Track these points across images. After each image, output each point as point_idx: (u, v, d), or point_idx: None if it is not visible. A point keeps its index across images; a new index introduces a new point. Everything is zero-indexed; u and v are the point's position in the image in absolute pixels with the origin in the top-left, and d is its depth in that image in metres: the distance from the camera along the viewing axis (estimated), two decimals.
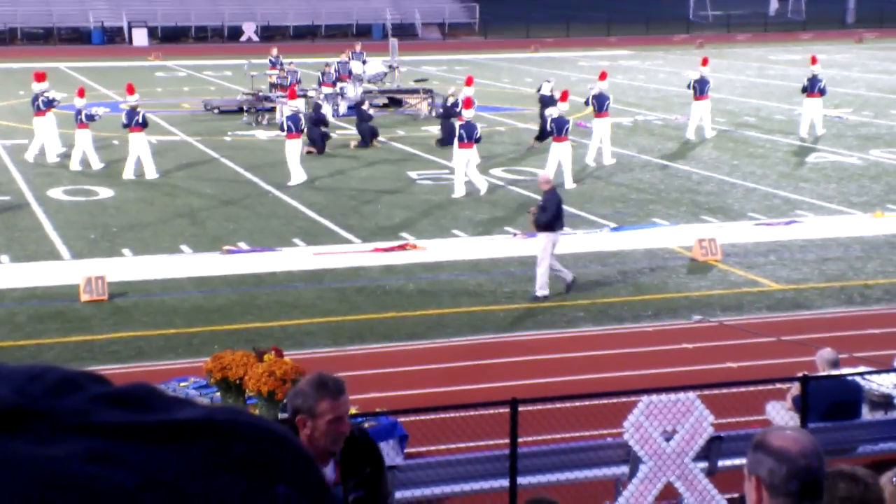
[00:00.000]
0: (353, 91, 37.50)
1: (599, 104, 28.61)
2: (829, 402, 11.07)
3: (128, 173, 26.86)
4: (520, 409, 9.46)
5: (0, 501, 0.74)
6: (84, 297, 17.41)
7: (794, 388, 11.11)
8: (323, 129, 30.37)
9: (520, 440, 9.54)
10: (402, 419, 11.02)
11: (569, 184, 25.60)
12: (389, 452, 9.92)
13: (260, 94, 36.83)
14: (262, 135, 33.47)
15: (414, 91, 38.98)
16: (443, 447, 10.86)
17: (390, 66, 41.33)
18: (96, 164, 27.87)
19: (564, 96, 27.64)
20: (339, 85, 37.11)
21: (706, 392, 10.73)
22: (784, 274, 19.17)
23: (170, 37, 70.67)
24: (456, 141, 25.28)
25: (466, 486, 9.91)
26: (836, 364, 11.60)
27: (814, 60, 33.19)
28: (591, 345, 15.70)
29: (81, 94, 28.34)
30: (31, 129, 33.05)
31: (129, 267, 19.29)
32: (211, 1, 73.24)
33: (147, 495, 0.77)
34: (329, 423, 5.42)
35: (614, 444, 10.28)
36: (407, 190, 25.76)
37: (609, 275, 19.14)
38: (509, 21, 77.35)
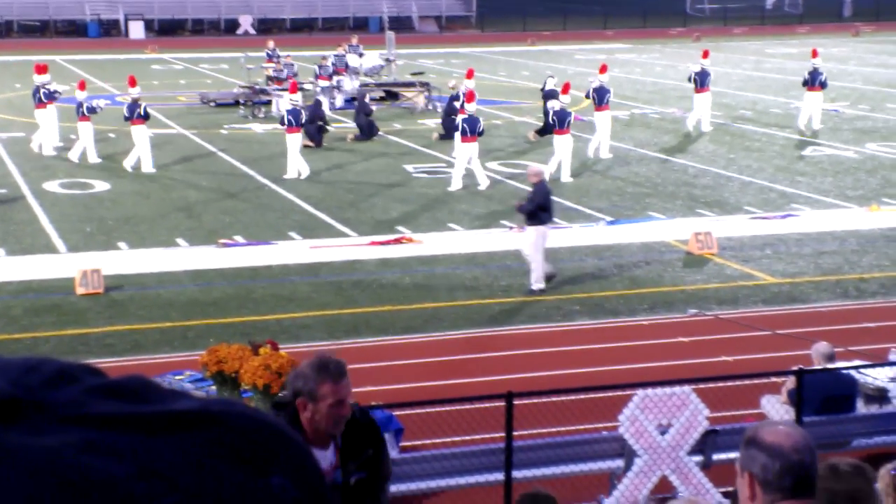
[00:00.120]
0: (349, 84, 37.46)
1: (600, 97, 28.60)
2: (824, 395, 11.09)
3: (129, 162, 26.90)
4: (515, 402, 9.47)
5: None
6: (80, 291, 17.40)
7: (790, 382, 11.13)
8: (319, 122, 30.33)
9: (515, 434, 9.56)
10: (397, 413, 11.03)
11: (566, 177, 25.60)
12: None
13: (256, 87, 36.79)
14: (258, 128, 33.44)
15: (411, 84, 38.94)
16: (438, 441, 10.87)
17: (387, 60, 41.27)
18: (93, 158, 27.83)
19: (566, 89, 27.64)
20: (335, 78, 37.06)
21: (701, 385, 10.74)
22: (780, 268, 19.19)
23: (166, 30, 70.56)
24: (458, 135, 25.16)
25: (462, 480, 9.93)
26: (831, 358, 11.62)
27: (815, 54, 33.20)
28: (586, 338, 15.72)
29: (83, 86, 28.31)
30: (27, 123, 33.02)
31: (125, 260, 19.28)
32: None
33: (142, 485, 0.78)
34: (330, 407, 5.38)
35: (609, 438, 10.30)
36: (403, 183, 25.74)
37: (605, 268, 19.15)
38: (506, 14, 77.27)
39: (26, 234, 21.15)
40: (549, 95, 30.22)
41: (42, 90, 28.59)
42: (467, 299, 17.43)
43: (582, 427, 11.06)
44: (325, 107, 32.73)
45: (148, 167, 26.83)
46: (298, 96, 27.94)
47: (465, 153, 24.85)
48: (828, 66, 33.55)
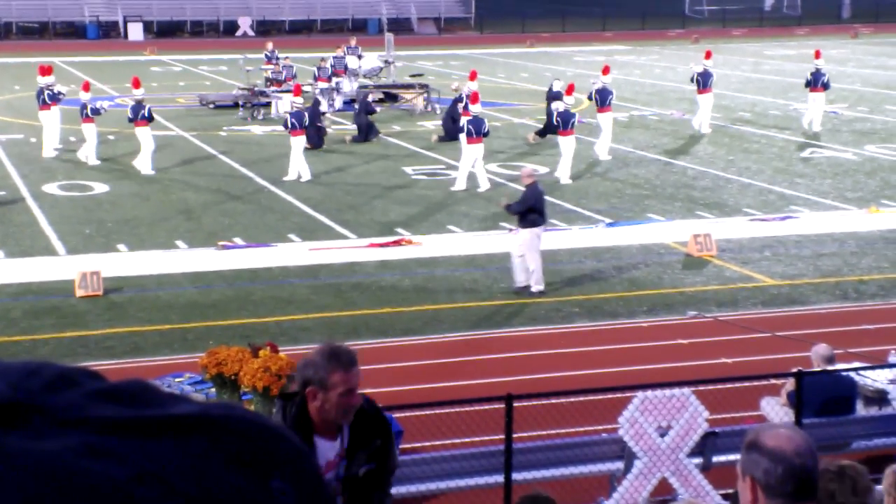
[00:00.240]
0: (348, 86, 37.48)
1: (602, 99, 28.62)
2: (823, 397, 11.09)
3: (145, 167, 26.93)
4: (515, 404, 9.47)
5: None
6: (79, 293, 17.40)
7: (789, 384, 11.13)
8: (317, 124, 30.33)
9: (515, 436, 9.55)
10: (396, 415, 11.01)
11: (565, 179, 25.62)
12: None
13: (255, 88, 36.79)
14: (257, 130, 33.44)
15: (410, 86, 38.95)
16: (438, 443, 10.87)
17: (386, 61, 41.29)
18: (93, 160, 27.81)
19: (570, 90, 27.66)
20: (334, 80, 37.08)
21: (701, 388, 10.73)
22: (779, 269, 19.19)
23: (165, 31, 70.59)
24: (464, 136, 25.17)
25: (461, 482, 9.92)
26: (830, 360, 11.61)
27: (817, 55, 33.25)
28: (586, 340, 15.72)
29: (87, 88, 28.33)
30: (26, 125, 33.04)
31: (125, 262, 19.28)
32: None
33: (142, 489, 0.78)
34: (340, 396, 5.31)
35: (609, 440, 10.29)
36: (403, 185, 25.75)
37: (604, 270, 19.15)
38: (505, 16, 77.32)
39: (26, 237, 21.15)
40: (553, 97, 30.28)
41: (46, 91, 28.58)
42: (467, 301, 17.43)
43: (581, 429, 11.06)
44: (324, 107, 32.69)
45: (147, 169, 26.82)
46: (301, 99, 27.93)
47: (470, 154, 24.89)
48: (827, 68, 33.55)
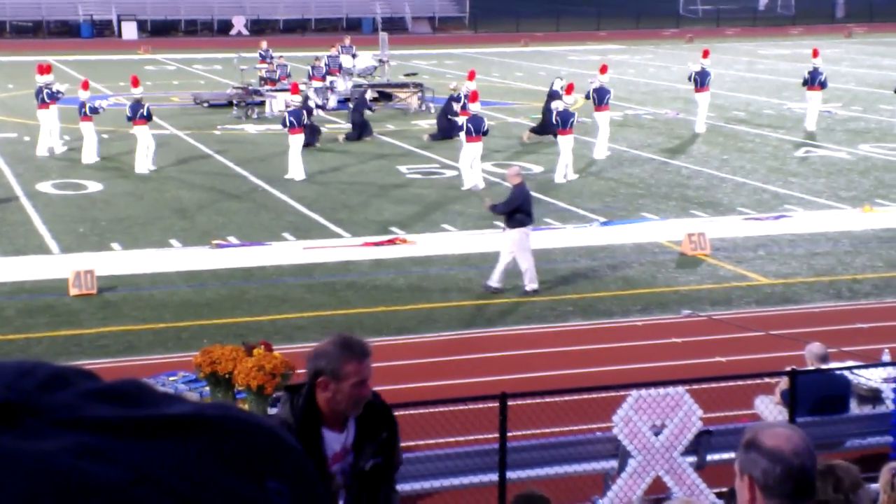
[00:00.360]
0: (342, 85, 37.45)
1: (600, 98, 28.65)
2: (817, 396, 11.10)
3: (148, 165, 26.88)
4: (509, 403, 9.47)
5: None
6: (73, 292, 17.38)
7: (783, 383, 11.15)
8: (310, 118, 30.28)
9: (509, 434, 9.55)
10: None
11: (559, 178, 25.63)
12: None
13: (250, 87, 36.76)
14: (251, 129, 33.42)
15: (404, 85, 38.94)
16: (432, 441, 10.87)
17: (380, 61, 41.27)
18: (87, 159, 27.77)
19: (570, 89, 27.68)
20: (328, 79, 37.06)
21: (695, 386, 10.74)
22: (773, 268, 19.21)
23: (159, 30, 70.52)
24: (463, 135, 25.32)
25: (456, 481, 9.92)
26: (824, 358, 11.63)
27: (815, 54, 33.33)
28: (580, 339, 15.73)
29: (86, 86, 28.28)
30: (20, 123, 33.00)
31: (119, 261, 19.26)
32: None
33: (137, 490, 0.77)
34: (353, 387, 5.27)
35: (603, 439, 10.30)
36: (397, 184, 25.75)
37: (598, 269, 19.16)
38: (499, 15, 77.35)
39: (19, 235, 21.12)
40: (553, 96, 30.32)
41: (45, 90, 28.53)
42: (461, 300, 17.43)
43: (576, 428, 11.06)
44: (312, 103, 32.47)
45: (141, 168, 26.80)
46: (299, 97, 27.89)
47: (469, 153, 24.97)
48: (823, 67, 33.57)
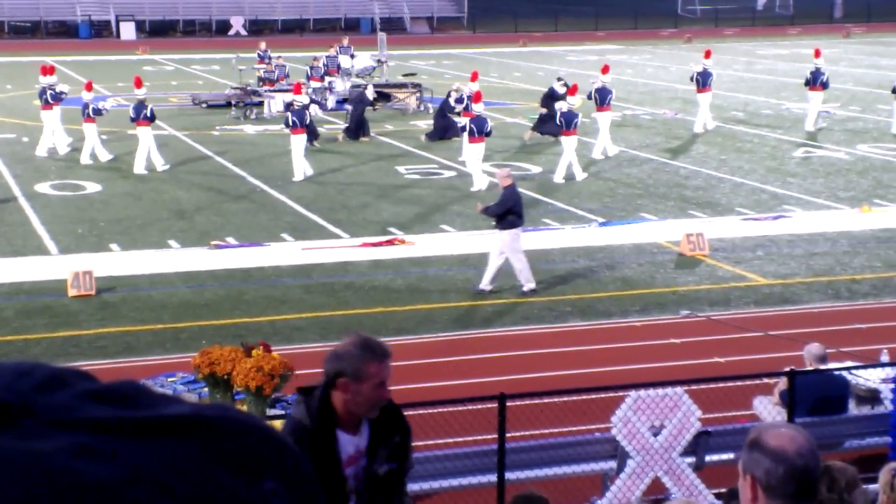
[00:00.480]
0: (341, 85, 37.44)
1: (601, 98, 28.66)
2: (816, 396, 11.10)
3: (157, 165, 26.86)
4: (508, 404, 9.47)
5: None
6: (71, 292, 17.37)
7: (782, 383, 11.15)
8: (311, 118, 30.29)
9: (508, 435, 9.55)
10: None
11: (559, 178, 25.66)
12: None
13: (248, 88, 36.77)
14: (250, 129, 33.42)
15: (402, 86, 38.95)
16: (431, 442, 10.86)
17: (378, 61, 41.28)
18: (86, 160, 27.78)
19: (573, 90, 27.69)
20: (327, 79, 37.06)
21: (694, 387, 10.74)
22: (771, 269, 19.22)
23: (157, 31, 70.52)
24: (466, 135, 25.43)
25: (454, 482, 9.92)
26: (823, 359, 11.63)
27: (817, 54, 33.36)
28: (578, 340, 15.73)
29: (89, 87, 28.30)
30: (18, 124, 32.99)
31: (117, 262, 19.25)
32: None
33: (134, 490, 0.77)
34: (373, 388, 5.22)
35: (602, 440, 10.30)
36: (395, 185, 25.75)
37: (597, 269, 19.16)
38: (497, 15, 77.37)
39: (18, 236, 21.12)
40: (552, 96, 30.32)
41: (49, 91, 28.52)
42: (460, 301, 17.43)
43: (575, 428, 11.06)
44: (315, 107, 32.50)
45: (140, 169, 26.79)
46: (302, 97, 27.86)
47: (474, 153, 25.02)
48: (825, 68, 33.57)
